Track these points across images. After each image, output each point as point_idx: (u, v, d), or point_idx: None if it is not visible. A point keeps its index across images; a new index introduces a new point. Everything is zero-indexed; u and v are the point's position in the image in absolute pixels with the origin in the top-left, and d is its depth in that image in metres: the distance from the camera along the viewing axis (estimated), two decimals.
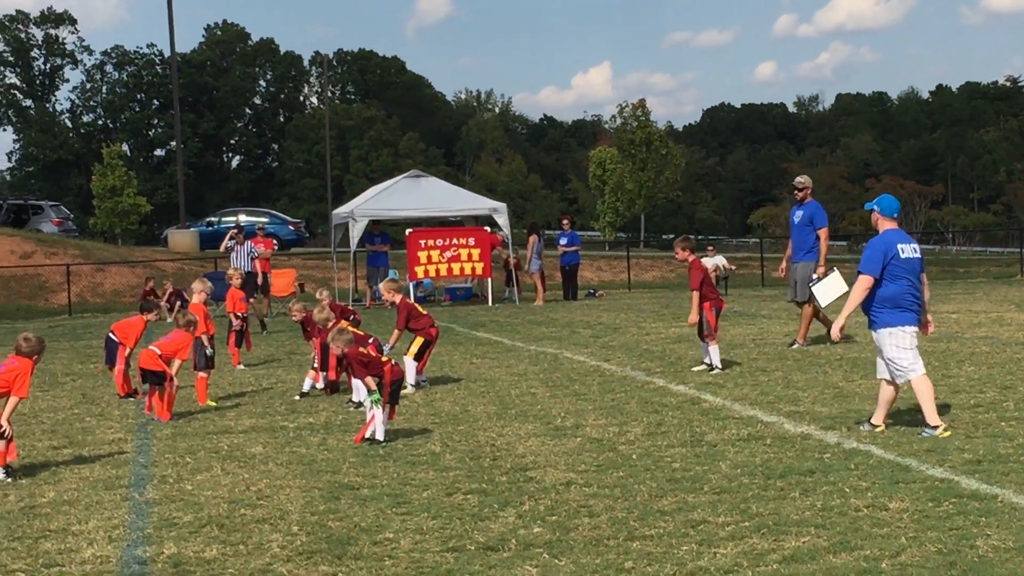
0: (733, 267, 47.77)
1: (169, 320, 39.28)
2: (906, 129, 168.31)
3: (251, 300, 28.41)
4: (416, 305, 20.39)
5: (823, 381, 18.21)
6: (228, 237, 37.25)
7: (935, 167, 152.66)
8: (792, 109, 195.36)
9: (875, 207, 14.36)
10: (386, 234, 42.87)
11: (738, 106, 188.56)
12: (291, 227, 69.96)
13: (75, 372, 24.19)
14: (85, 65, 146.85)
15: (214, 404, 18.62)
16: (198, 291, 20.66)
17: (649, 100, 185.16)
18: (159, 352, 17.61)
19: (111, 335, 20.19)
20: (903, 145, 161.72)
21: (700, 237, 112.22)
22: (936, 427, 13.53)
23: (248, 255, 35.54)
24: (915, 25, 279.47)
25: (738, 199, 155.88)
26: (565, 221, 45.32)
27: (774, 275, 33.80)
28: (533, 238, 42.67)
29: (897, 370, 13.76)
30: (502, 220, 42.75)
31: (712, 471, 12.06)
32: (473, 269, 40.92)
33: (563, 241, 43.29)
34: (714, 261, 45.12)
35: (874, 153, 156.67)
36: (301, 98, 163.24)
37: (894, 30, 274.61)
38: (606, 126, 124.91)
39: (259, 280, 35.51)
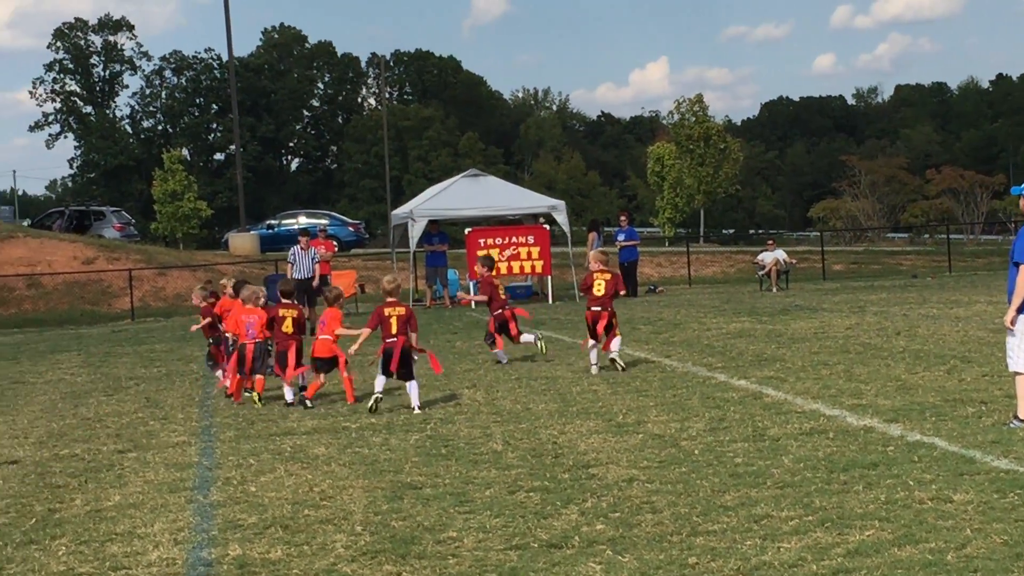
0: (794, 261, 47.55)
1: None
2: (966, 119, 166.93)
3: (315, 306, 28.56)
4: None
5: (885, 374, 18.11)
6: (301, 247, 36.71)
7: (996, 156, 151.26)
8: (851, 101, 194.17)
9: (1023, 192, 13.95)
10: (444, 233, 42.84)
11: (796, 99, 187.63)
12: (351, 228, 70.12)
13: (138, 376, 24.35)
14: (144, 71, 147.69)
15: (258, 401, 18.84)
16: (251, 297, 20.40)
17: (707, 95, 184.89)
18: (331, 338, 18.96)
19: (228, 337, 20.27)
20: (963, 135, 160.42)
21: (760, 231, 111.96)
22: None
23: (312, 260, 35.59)
24: (974, 14, 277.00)
25: (798, 192, 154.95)
26: (623, 217, 45.27)
27: (835, 268, 33.59)
28: (593, 235, 42.64)
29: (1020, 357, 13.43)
30: (561, 218, 42.71)
31: (775, 465, 12.02)
32: (533, 267, 40.94)
33: (621, 237, 43.24)
34: (774, 255, 44.95)
35: (934, 144, 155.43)
36: (359, 99, 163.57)
37: (953, 20, 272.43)
38: (664, 122, 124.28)
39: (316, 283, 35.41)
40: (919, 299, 33.98)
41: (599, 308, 20.73)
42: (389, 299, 17.88)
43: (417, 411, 16.99)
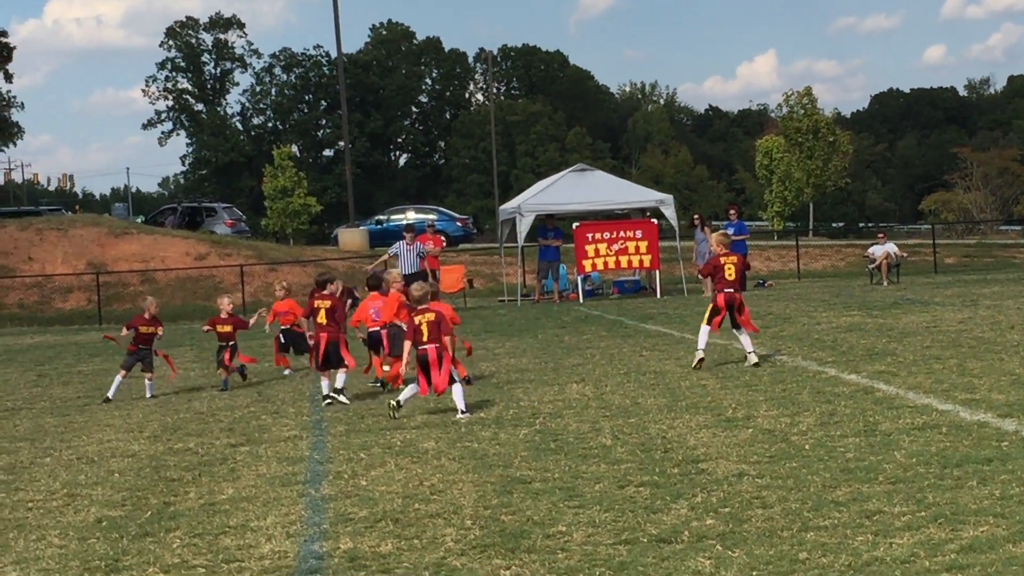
0: (905, 254, 47.07)
1: None
2: None
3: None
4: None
5: (999, 368, 17.89)
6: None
7: None
8: (962, 92, 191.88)
9: None
10: (559, 229, 42.76)
11: (907, 91, 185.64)
12: (459, 223, 70.32)
13: (250, 371, 24.55)
14: (254, 68, 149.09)
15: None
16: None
17: (816, 87, 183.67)
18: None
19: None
20: None
21: (870, 224, 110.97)
22: None
23: (417, 255, 35.72)
24: None
25: (908, 185, 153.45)
26: (732, 211, 45.11)
27: (947, 261, 33.23)
28: (707, 230, 42.51)
29: None
30: (669, 212, 42.57)
31: (887, 461, 11.92)
32: (641, 261, 40.90)
33: (730, 231, 43.04)
34: (885, 248, 44.55)
35: None
36: (467, 95, 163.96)
37: None
38: (772, 115, 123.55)
39: (428, 278, 35.56)
40: None
41: (732, 291, 20.59)
42: (419, 306, 17.51)
43: (463, 415, 16.54)
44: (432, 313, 17.19)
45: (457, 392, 16.85)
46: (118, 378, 21.76)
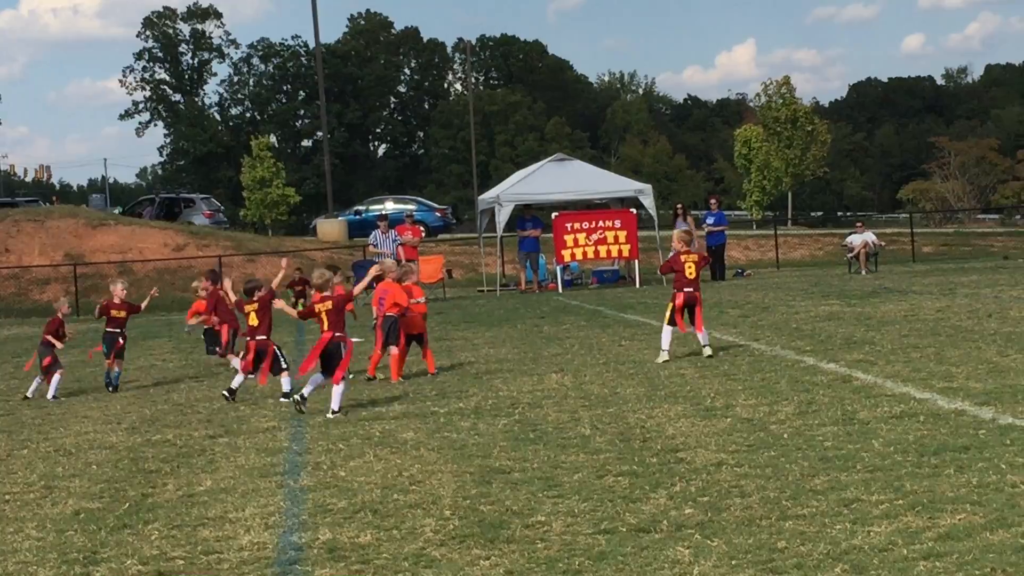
0: (883, 243, 47.15)
1: None
2: None
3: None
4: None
5: (977, 356, 17.94)
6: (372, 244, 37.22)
7: None
8: (940, 82, 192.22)
9: None
10: (537, 218, 42.72)
11: (885, 80, 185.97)
12: (438, 214, 70.17)
13: (228, 362, 24.52)
14: (232, 59, 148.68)
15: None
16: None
17: (794, 77, 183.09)
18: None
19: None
20: None
21: (849, 214, 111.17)
22: None
23: (393, 242, 35.67)
24: None
25: (887, 174, 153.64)
26: (713, 201, 45.18)
27: (925, 250, 33.31)
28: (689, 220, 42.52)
29: None
30: (647, 202, 42.61)
31: (865, 449, 11.95)
32: (620, 251, 40.93)
33: (710, 221, 43.11)
34: (863, 237, 44.64)
35: None
36: (445, 85, 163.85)
37: None
38: (751, 104, 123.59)
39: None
40: (1010, 281, 33.64)
41: (692, 290, 20.52)
42: (319, 294, 17.37)
43: (332, 415, 16.42)
44: (330, 302, 17.14)
45: (337, 391, 16.69)
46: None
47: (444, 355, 22.93)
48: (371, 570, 9.15)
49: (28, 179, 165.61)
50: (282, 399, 18.22)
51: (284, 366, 18.88)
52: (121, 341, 21.99)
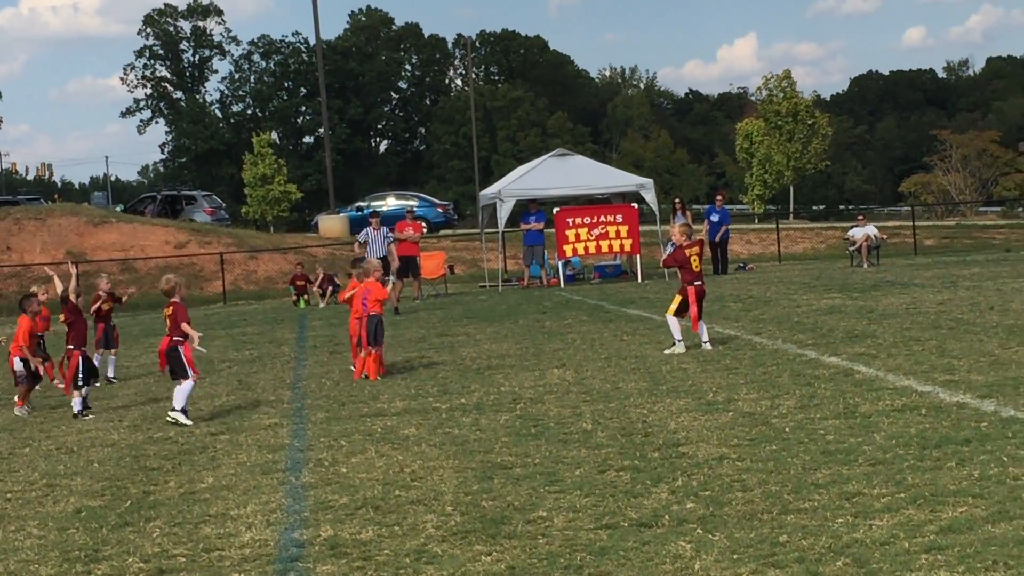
0: (885, 236, 47.11)
1: (322, 305, 39.80)
2: None
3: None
4: None
5: (978, 349, 17.93)
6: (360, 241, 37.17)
7: None
8: (941, 74, 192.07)
9: None
10: (542, 212, 42.61)
11: (886, 73, 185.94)
12: (440, 209, 70.24)
13: (230, 359, 24.56)
14: (233, 56, 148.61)
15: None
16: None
17: (796, 70, 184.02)
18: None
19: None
20: None
21: (850, 207, 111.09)
22: None
23: (384, 240, 35.67)
24: None
25: (888, 167, 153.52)
26: (719, 197, 45.17)
27: (927, 243, 33.27)
28: (688, 215, 42.48)
29: None
30: (649, 196, 42.57)
31: (866, 443, 11.95)
32: (622, 246, 40.88)
33: (714, 217, 43.03)
34: (865, 231, 44.60)
35: None
36: (446, 81, 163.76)
37: None
38: (752, 98, 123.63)
39: (394, 265, 34.85)
40: (1012, 273, 33.62)
41: (701, 283, 20.71)
42: (170, 299, 17.48)
43: (172, 416, 16.48)
44: (171, 307, 17.31)
45: (182, 389, 16.76)
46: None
47: (446, 351, 22.94)
48: (373, 566, 9.15)
49: (30, 177, 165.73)
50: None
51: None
52: (115, 331, 23.10)
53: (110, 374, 22.55)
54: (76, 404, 18.33)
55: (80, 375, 18.37)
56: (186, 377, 16.80)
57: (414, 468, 12.37)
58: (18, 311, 20.19)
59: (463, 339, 24.91)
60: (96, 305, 22.68)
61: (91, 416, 17.95)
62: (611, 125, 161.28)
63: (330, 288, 41.00)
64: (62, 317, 19.05)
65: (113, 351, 22.99)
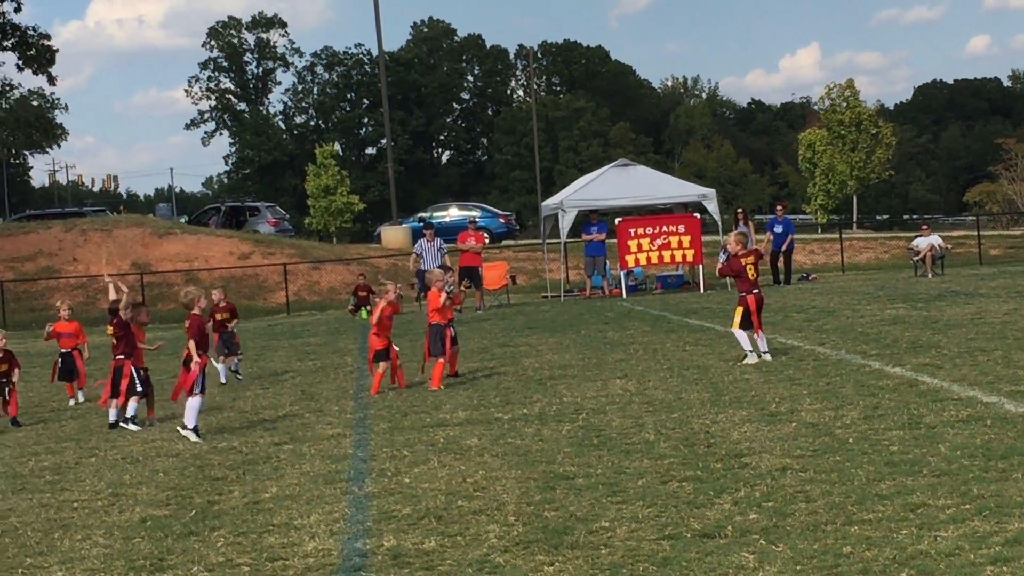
0: (949, 246, 46.81)
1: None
2: None
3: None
4: None
5: None
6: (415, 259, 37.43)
7: None
8: (1007, 83, 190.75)
9: None
10: (603, 222, 42.61)
11: (950, 82, 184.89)
12: (502, 220, 70.23)
13: (294, 369, 24.66)
14: (296, 67, 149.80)
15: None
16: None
17: (859, 79, 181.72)
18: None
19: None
20: None
21: (915, 216, 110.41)
22: None
23: (439, 251, 35.71)
24: None
25: (953, 177, 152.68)
26: (780, 208, 45.01)
27: (992, 253, 33.02)
28: (749, 225, 42.37)
29: None
30: (711, 206, 42.48)
31: (931, 453, 11.88)
32: (684, 256, 40.80)
33: (778, 228, 42.85)
34: (929, 241, 44.32)
35: None
36: (508, 91, 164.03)
37: None
38: (815, 108, 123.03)
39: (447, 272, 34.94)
40: None
41: (759, 291, 20.73)
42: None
43: (183, 433, 16.61)
44: (188, 319, 17.78)
45: (191, 406, 16.83)
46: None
47: (509, 361, 22.96)
48: None
49: (96, 189, 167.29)
50: (126, 426, 18.16)
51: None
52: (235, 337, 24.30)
53: (226, 377, 23.17)
54: (112, 414, 18.49)
55: (133, 384, 18.44)
56: (192, 394, 16.80)
57: (476, 478, 12.38)
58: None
59: (525, 349, 24.91)
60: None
61: (135, 427, 18.03)
62: (673, 135, 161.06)
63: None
64: (109, 330, 18.97)
65: (236, 357, 23.93)
